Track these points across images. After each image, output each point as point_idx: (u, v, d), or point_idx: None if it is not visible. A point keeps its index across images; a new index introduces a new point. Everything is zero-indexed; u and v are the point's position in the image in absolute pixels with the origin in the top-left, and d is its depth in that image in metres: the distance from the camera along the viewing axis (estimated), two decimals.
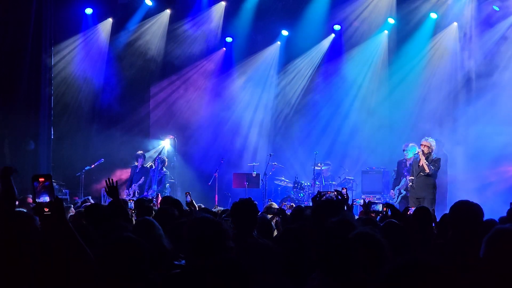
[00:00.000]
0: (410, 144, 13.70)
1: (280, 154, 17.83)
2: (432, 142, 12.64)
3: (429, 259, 2.36)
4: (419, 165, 12.52)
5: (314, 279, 4.19)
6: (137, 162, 16.08)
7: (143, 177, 15.87)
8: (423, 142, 12.60)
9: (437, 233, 6.81)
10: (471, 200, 5.27)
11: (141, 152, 16.39)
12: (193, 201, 9.73)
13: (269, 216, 7.82)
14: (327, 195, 7.49)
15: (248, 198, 6.18)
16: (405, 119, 17.33)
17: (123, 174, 17.20)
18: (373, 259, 4.05)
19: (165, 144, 17.76)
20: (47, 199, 3.05)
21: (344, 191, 7.73)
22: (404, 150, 14.01)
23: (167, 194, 14.95)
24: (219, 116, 18.76)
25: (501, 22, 16.67)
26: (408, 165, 13.69)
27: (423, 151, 12.48)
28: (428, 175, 12.37)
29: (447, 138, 16.44)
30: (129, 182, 16.08)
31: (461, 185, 16.20)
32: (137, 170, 16.03)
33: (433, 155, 12.59)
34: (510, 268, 3.83)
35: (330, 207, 6.08)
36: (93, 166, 16.16)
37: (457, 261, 4.47)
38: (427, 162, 12.37)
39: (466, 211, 5.07)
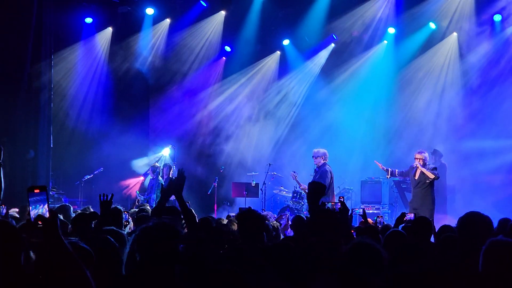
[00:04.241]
0: (322, 151, 12.95)
1: (279, 163, 17.76)
2: (425, 154, 12.43)
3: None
4: (415, 178, 12.26)
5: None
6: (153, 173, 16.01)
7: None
8: (417, 155, 12.33)
9: (436, 244, 6.78)
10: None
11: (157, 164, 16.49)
12: (192, 210, 9.71)
13: None
14: (331, 205, 7.41)
15: (249, 208, 6.18)
16: (404, 129, 17.36)
17: (122, 182, 17.20)
18: (372, 268, 4.02)
19: (164, 153, 17.76)
20: (41, 211, 3.04)
21: (341, 200, 7.71)
22: (313, 156, 12.97)
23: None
24: (219, 125, 18.77)
25: (501, 32, 16.73)
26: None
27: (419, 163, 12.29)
28: (431, 182, 12.07)
29: (446, 148, 16.46)
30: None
31: (459, 194, 16.25)
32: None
33: (427, 166, 12.38)
34: (507, 279, 3.82)
35: (329, 218, 5.97)
36: (92, 175, 16.18)
37: (466, 272, 4.41)
38: (428, 170, 12.13)
39: (476, 222, 5.00)
